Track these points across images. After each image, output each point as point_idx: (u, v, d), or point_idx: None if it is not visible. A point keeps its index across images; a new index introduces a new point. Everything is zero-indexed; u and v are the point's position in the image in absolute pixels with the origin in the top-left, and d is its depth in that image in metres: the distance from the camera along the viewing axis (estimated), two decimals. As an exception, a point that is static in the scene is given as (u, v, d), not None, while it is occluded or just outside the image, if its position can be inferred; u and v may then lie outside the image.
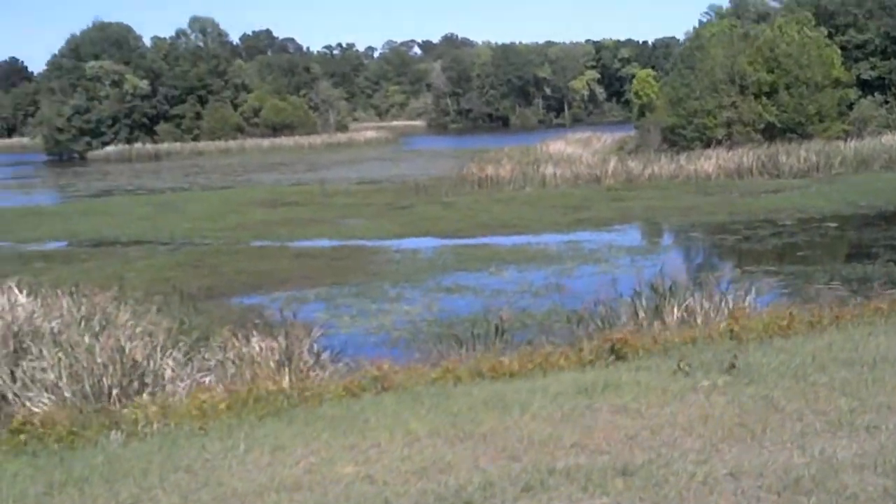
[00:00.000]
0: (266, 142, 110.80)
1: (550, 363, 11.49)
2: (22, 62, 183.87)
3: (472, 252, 28.49)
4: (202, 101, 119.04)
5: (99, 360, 12.69)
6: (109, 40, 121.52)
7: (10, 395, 12.71)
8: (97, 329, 14.38)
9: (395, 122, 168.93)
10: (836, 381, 9.14)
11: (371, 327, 19.51)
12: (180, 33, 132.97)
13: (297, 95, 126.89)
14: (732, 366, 9.92)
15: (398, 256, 28.65)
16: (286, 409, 10.46)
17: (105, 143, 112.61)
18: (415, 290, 23.38)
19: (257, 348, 13.59)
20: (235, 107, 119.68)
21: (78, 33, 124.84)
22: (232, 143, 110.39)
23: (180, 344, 14.28)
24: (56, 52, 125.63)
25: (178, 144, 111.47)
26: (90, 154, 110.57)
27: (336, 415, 9.82)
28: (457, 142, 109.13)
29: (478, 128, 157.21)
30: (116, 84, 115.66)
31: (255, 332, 14.40)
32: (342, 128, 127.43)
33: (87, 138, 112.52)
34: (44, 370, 12.76)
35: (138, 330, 14.75)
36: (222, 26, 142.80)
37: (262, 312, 21.28)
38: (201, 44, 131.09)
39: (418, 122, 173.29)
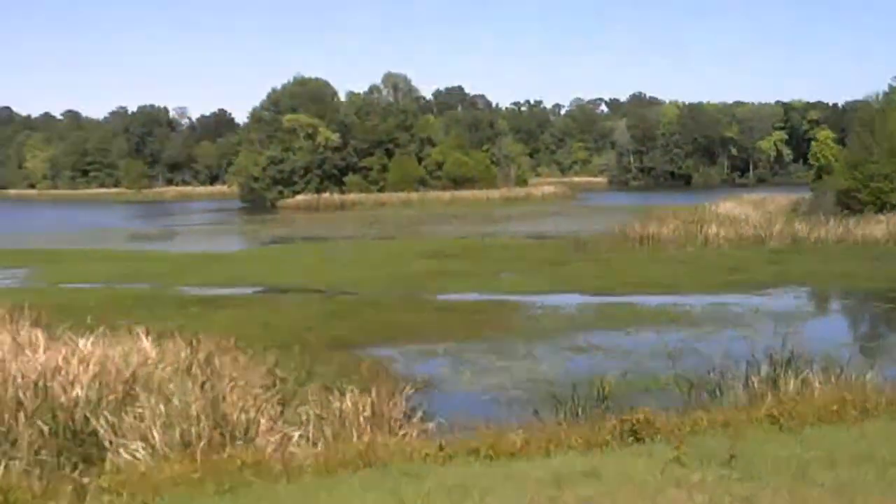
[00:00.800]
0: (447, 194, 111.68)
1: (558, 442, 10.75)
2: (229, 114, 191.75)
3: (614, 311, 27.64)
4: (389, 154, 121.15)
5: (193, 412, 12.66)
6: (307, 95, 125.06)
7: (107, 442, 12.70)
8: (201, 379, 14.21)
9: (576, 179, 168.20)
10: (839, 482, 8.12)
11: (489, 385, 18.99)
12: (373, 89, 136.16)
13: (480, 150, 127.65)
14: (732, 457, 9.05)
15: (539, 312, 28.04)
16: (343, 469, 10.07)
17: (296, 192, 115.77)
18: (545, 347, 22.76)
19: (349, 404, 13.27)
20: (420, 160, 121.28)
21: (279, 87, 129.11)
22: (414, 195, 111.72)
23: (276, 396, 14.11)
24: (258, 104, 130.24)
25: (363, 195, 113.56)
26: (281, 202, 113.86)
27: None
28: (635, 199, 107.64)
29: (659, 186, 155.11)
30: (310, 136, 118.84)
31: (348, 387, 14.15)
32: (521, 182, 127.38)
33: (279, 187, 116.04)
34: (137, 419, 12.76)
35: (241, 382, 14.50)
36: (415, 82, 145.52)
37: (390, 365, 21.04)
38: (392, 99, 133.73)
39: (600, 179, 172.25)
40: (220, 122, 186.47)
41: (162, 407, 12.86)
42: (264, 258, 46.61)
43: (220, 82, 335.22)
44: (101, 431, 12.78)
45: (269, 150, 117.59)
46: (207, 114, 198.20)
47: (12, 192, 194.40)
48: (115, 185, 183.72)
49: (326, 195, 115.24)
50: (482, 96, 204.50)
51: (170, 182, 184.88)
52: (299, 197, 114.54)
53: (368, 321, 26.45)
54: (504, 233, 61.52)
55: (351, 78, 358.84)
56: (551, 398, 16.02)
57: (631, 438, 10.86)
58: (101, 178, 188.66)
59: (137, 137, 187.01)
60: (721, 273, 35.08)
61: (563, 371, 19.99)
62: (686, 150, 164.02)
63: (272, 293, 33.36)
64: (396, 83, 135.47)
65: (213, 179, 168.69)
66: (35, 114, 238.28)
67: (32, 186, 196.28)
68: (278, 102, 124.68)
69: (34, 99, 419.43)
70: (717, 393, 14.76)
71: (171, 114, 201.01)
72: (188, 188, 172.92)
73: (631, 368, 19.88)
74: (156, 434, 12.35)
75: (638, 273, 35.51)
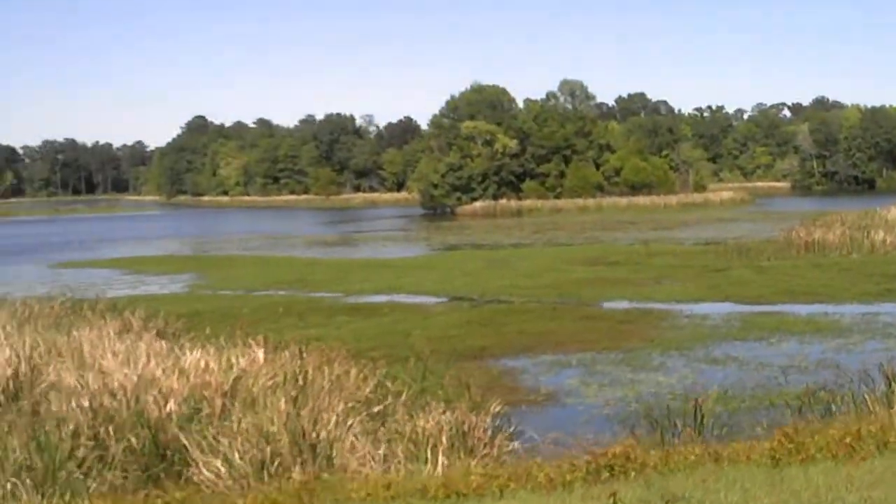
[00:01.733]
0: (624, 200, 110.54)
1: (527, 477, 10.33)
2: (414, 121, 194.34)
3: (761, 320, 26.66)
4: (566, 161, 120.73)
5: (273, 428, 12.65)
6: (485, 102, 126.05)
7: (192, 456, 12.74)
8: (293, 393, 14.25)
9: (759, 184, 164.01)
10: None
11: (612, 398, 18.51)
12: (550, 95, 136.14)
13: (659, 156, 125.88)
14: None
15: (685, 322, 27.33)
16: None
17: (474, 199, 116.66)
18: (680, 359, 22.13)
19: (431, 423, 13.19)
20: (597, 166, 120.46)
21: (457, 95, 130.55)
22: (590, 202, 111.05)
23: (373, 411, 14.16)
24: (437, 112, 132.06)
25: (539, 202, 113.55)
26: (459, 209, 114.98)
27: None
28: (815, 204, 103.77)
29: (842, 190, 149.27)
30: (488, 143, 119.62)
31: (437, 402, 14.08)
32: (700, 188, 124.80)
33: (458, 193, 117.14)
34: (223, 435, 12.80)
35: (338, 396, 14.49)
36: (593, 89, 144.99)
37: (518, 376, 20.97)
38: (569, 106, 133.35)
39: (783, 184, 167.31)
40: (406, 130, 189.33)
41: (244, 423, 12.88)
42: (428, 265, 47.01)
43: (407, 89, 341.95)
44: (189, 447, 12.77)
45: (448, 157, 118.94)
46: (394, 121, 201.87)
47: (206, 198, 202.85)
48: (305, 192, 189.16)
49: (504, 201, 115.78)
50: (664, 102, 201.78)
51: (357, 189, 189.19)
52: (477, 203, 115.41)
53: (511, 330, 26.27)
54: (673, 239, 60.36)
55: (527, 86, 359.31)
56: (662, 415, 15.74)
57: (606, 474, 10.32)
58: (291, 184, 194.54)
59: (326, 145, 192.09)
60: (881, 281, 33.25)
61: (690, 384, 19.35)
62: (869, 154, 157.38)
63: (424, 301, 33.63)
64: (573, 90, 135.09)
65: (399, 186, 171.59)
66: (228, 122, 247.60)
67: (225, 193, 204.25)
68: (457, 109, 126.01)
69: (227, 108, 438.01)
70: (828, 412, 14.13)
71: (359, 121, 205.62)
72: (375, 195, 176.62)
73: (762, 382, 19.23)
74: (236, 452, 12.26)
75: (794, 280, 34.14)
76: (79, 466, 12.40)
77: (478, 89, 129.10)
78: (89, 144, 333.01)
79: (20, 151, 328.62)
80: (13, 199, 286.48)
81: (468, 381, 19.20)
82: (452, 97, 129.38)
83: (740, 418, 15.50)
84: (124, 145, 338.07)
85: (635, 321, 27.72)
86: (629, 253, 49.08)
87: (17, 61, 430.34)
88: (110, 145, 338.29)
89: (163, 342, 19.56)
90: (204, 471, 12.23)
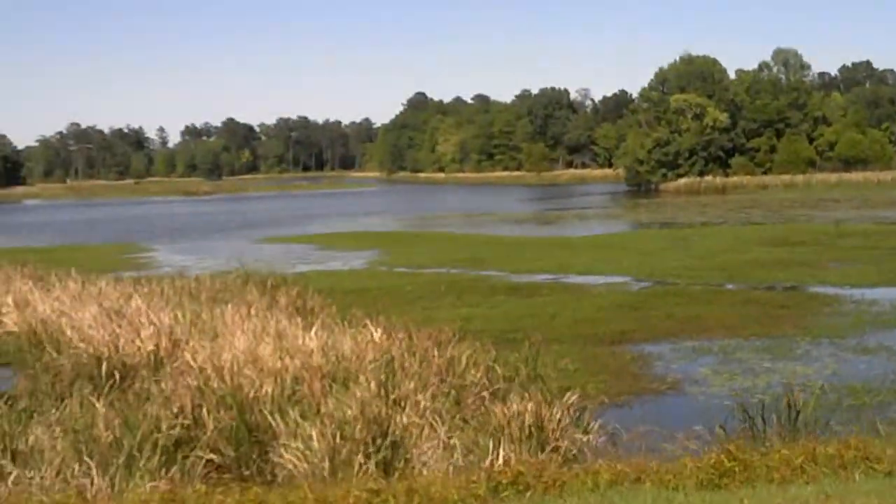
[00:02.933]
0: (833, 177, 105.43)
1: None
2: (630, 94, 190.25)
3: (936, 307, 24.84)
4: (778, 135, 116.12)
5: (350, 412, 12.40)
6: (695, 73, 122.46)
7: (279, 440, 12.67)
8: (381, 377, 14.02)
9: None
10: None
11: (739, 388, 17.47)
12: (763, 66, 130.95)
13: (879, 129, 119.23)
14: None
15: (849, 308, 25.65)
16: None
17: (679, 176, 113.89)
18: (829, 347, 20.81)
19: (503, 413, 12.63)
20: (811, 140, 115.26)
21: (666, 66, 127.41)
22: (799, 178, 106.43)
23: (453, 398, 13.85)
24: (646, 84, 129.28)
25: (745, 178, 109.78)
26: (663, 186, 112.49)
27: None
28: None
29: None
30: (698, 117, 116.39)
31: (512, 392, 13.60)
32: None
33: (663, 170, 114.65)
34: (297, 420, 12.70)
35: (412, 384, 14.04)
36: (811, 58, 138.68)
37: (650, 363, 20.16)
38: (783, 76, 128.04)
39: None
40: (620, 103, 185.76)
41: (324, 408, 12.80)
42: (606, 244, 46.10)
43: (622, 62, 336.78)
44: (275, 429, 12.76)
45: (656, 132, 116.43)
46: (609, 95, 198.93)
47: (423, 175, 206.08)
48: (518, 168, 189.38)
49: (709, 178, 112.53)
50: (891, 70, 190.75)
51: (570, 165, 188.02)
52: (681, 180, 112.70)
53: (660, 314, 25.30)
54: (875, 218, 57.10)
55: (740, 55, 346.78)
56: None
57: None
58: (504, 161, 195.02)
59: (540, 120, 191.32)
60: None
61: (829, 375, 18.20)
62: None
63: (588, 282, 32.89)
64: (787, 59, 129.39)
65: (611, 162, 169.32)
66: (447, 98, 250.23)
67: (441, 170, 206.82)
68: (666, 82, 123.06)
69: (447, 84, 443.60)
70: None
71: (574, 95, 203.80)
72: (584, 171, 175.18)
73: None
74: (314, 436, 12.05)
75: None
76: (171, 447, 12.45)
77: (688, 60, 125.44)
78: (320, 122, 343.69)
79: (257, 129, 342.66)
80: (248, 176, 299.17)
81: (576, 366, 18.93)
82: (661, 69, 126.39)
83: (863, 413, 14.38)
84: (353, 122, 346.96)
85: (796, 306, 26.33)
86: (817, 233, 46.64)
87: (254, 44, 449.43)
88: (339, 122, 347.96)
89: (297, 320, 19.63)
90: (284, 453, 12.19)
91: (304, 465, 11.92)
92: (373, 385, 13.49)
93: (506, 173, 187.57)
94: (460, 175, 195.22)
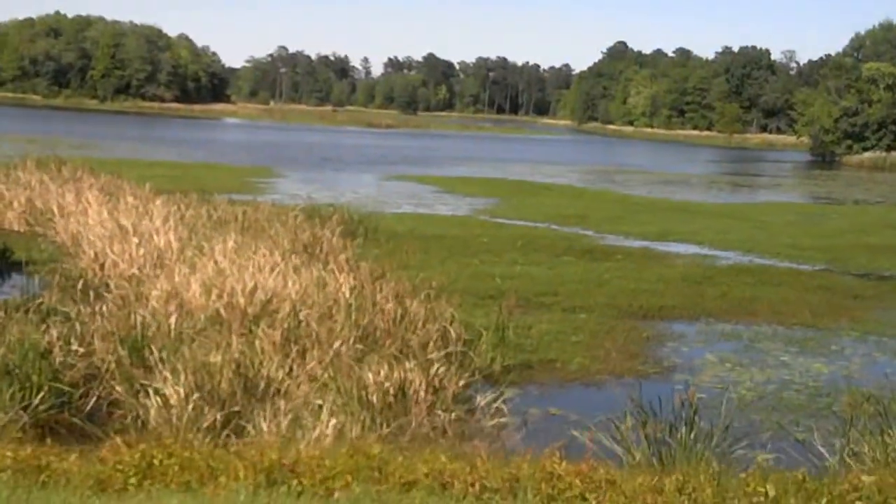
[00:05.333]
0: None
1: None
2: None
3: None
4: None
5: (216, 360, 11.83)
6: (894, 41, 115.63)
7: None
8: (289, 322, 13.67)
9: None
10: None
11: (729, 381, 16.20)
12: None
13: None
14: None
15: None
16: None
17: (865, 149, 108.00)
18: (869, 346, 19.32)
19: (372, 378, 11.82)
20: None
21: (863, 32, 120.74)
22: None
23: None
24: (839, 50, 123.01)
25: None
26: (846, 159, 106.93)
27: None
28: None
29: None
30: (890, 88, 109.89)
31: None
32: None
33: (849, 142, 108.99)
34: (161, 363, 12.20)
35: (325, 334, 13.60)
36: None
37: (662, 343, 18.87)
38: None
39: None
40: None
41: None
42: (730, 214, 43.92)
43: (831, 25, 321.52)
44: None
45: (845, 101, 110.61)
46: (815, 59, 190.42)
47: (611, 127, 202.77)
48: (708, 129, 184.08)
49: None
50: None
51: (763, 129, 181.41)
52: (866, 154, 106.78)
53: (714, 293, 23.66)
54: None
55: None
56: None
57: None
58: (695, 119, 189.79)
59: (737, 79, 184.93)
60: None
61: (843, 377, 16.75)
62: None
63: (679, 251, 31.39)
64: None
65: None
66: (647, 50, 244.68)
67: (630, 124, 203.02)
68: (861, 49, 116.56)
69: (650, 35, 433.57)
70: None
71: (776, 56, 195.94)
72: (775, 137, 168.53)
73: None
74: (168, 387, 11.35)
75: None
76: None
77: (888, 27, 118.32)
78: (519, 64, 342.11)
79: (456, 66, 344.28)
80: (443, 113, 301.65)
81: (581, 338, 18.05)
82: (857, 35, 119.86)
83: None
84: (552, 67, 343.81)
85: (872, 297, 24.55)
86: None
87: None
88: (538, 66, 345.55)
89: (296, 259, 19.09)
90: (137, 401, 11.71)
91: (157, 416, 11.28)
92: (276, 332, 13.07)
93: (695, 132, 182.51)
94: (648, 130, 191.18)
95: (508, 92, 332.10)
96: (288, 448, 9.00)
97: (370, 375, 11.77)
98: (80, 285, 16.11)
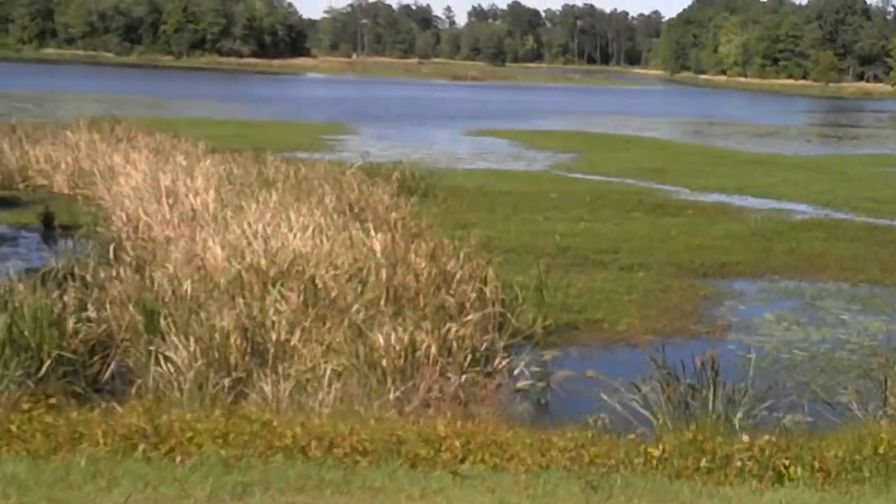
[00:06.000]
0: None
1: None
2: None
3: None
4: None
5: (223, 323, 11.90)
6: None
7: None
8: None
9: None
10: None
11: (781, 341, 16.21)
12: None
13: None
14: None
15: None
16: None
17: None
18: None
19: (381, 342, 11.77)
20: None
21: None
22: None
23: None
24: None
25: None
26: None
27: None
28: None
29: None
30: None
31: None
32: None
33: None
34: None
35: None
36: None
37: (719, 302, 18.71)
38: None
39: None
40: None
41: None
42: (815, 167, 42.88)
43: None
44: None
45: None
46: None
47: (703, 77, 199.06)
48: (803, 77, 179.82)
49: None
50: None
51: (860, 77, 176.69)
52: None
53: (782, 249, 23.34)
54: None
55: None
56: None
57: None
58: (789, 67, 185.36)
59: (830, 25, 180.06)
60: None
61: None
62: None
63: (747, 206, 30.94)
64: None
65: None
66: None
67: (723, 73, 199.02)
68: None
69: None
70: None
71: (872, 1, 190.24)
72: (870, 85, 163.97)
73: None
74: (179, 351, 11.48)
75: None
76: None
77: None
78: (607, 11, 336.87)
79: (542, 14, 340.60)
80: (532, 64, 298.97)
81: (636, 296, 18.04)
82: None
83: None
84: (640, 14, 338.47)
85: None
86: None
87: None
88: (626, 14, 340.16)
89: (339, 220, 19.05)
90: (148, 365, 11.82)
91: (163, 382, 11.38)
92: (293, 294, 13.25)
93: (790, 81, 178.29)
94: (742, 80, 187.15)
95: (598, 41, 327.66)
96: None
97: (380, 338, 11.84)
98: (111, 249, 16.53)
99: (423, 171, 31.97)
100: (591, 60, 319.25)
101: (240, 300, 13.10)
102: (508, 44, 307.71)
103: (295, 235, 16.20)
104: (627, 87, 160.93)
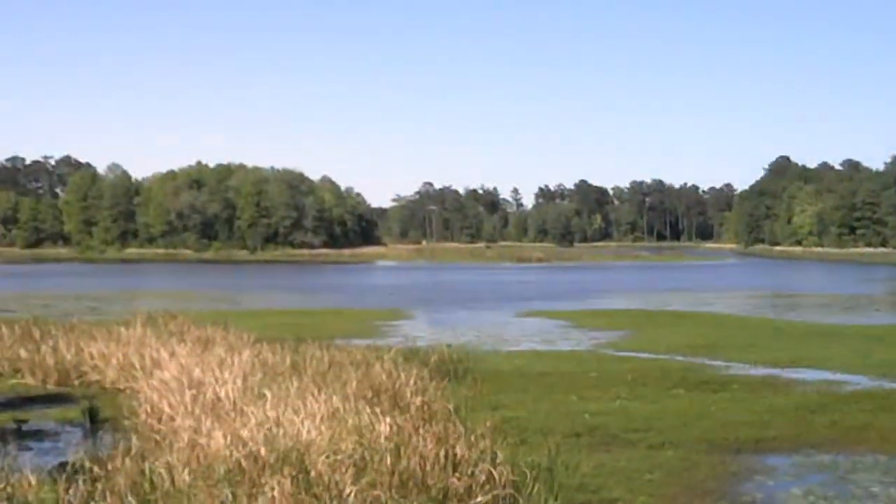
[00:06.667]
0: None
1: None
2: None
3: None
4: None
5: None
6: None
7: None
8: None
9: None
10: None
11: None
12: None
13: None
14: None
15: None
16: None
17: None
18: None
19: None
20: None
21: None
22: None
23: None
24: None
25: None
26: None
27: None
28: None
29: None
30: None
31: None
32: None
33: None
34: None
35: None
36: None
37: (745, 479, 18.29)
38: None
39: None
40: None
41: None
42: (876, 336, 42.83)
43: None
44: None
45: None
46: None
47: (778, 248, 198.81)
48: (883, 244, 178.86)
49: None
50: None
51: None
52: None
53: (827, 420, 23.07)
54: None
55: None
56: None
57: None
58: (867, 235, 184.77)
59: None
60: None
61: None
62: None
63: (798, 378, 30.58)
64: None
65: None
66: (812, 163, 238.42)
67: (798, 243, 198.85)
68: None
69: (813, 147, 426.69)
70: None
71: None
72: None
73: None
74: None
75: None
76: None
77: None
78: (676, 186, 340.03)
79: (610, 192, 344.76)
80: (601, 243, 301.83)
81: (658, 475, 17.85)
82: None
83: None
84: (711, 188, 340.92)
85: None
86: None
87: (608, 103, 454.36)
88: (696, 188, 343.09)
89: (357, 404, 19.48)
90: None
91: None
92: (286, 481, 13.46)
93: (869, 249, 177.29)
94: (818, 250, 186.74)
95: (667, 217, 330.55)
96: None
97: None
98: (133, 440, 17.08)
99: (461, 354, 32.37)
100: (660, 237, 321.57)
101: (227, 492, 13.38)
102: (576, 223, 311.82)
103: (303, 422, 16.53)
104: (696, 263, 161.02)
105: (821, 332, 45.01)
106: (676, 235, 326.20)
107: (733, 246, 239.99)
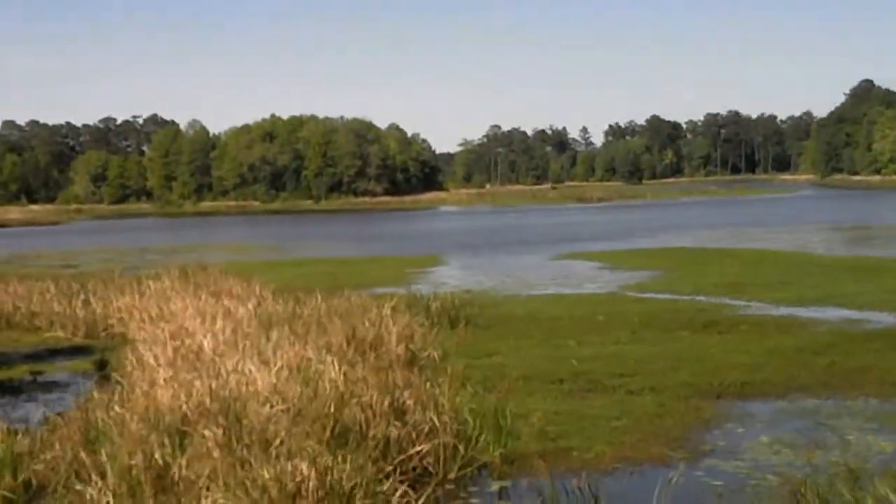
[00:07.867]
0: None
1: None
2: None
3: None
4: None
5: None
6: None
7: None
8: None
9: None
10: None
11: (764, 466, 15.57)
12: None
13: None
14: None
15: None
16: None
17: None
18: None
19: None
20: None
21: None
22: None
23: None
24: None
25: None
26: None
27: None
28: None
29: None
30: None
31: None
32: None
33: None
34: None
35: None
36: None
37: (718, 424, 18.28)
38: None
39: None
40: None
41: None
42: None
43: None
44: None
45: None
46: None
47: (855, 178, 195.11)
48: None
49: None
50: None
51: None
52: None
53: (826, 361, 22.84)
54: None
55: None
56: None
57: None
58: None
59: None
60: None
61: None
62: None
63: (818, 317, 30.25)
64: None
65: None
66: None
67: (877, 172, 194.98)
68: None
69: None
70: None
71: None
72: None
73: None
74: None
75: None
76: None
77: None
78: (753, 117, 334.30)
79: (684, 126, 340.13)
80: (671, 179, 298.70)
81: (627, 421, 17.95)
82: None
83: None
84: (790, 117, 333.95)
85: None
86: None
87: (679, 33, 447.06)
88: (774, 118, 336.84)
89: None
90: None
91: None
92: (218, 431, 13.90)
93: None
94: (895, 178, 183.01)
95: (743, 149, 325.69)
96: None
97: (265, 473, 12.25)
98: (117, 391, 17.94)
99: (470, 299, 32.73)
100: (735, 170, 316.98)
101: (153, 438, 13.85)
102: (646, 160, 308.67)
103: (258, 371, 17.01)
104: (766, 196, 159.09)
105: (861, 266, 44.45)
106: (752, 168, 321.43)
107: (810, 177, 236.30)
